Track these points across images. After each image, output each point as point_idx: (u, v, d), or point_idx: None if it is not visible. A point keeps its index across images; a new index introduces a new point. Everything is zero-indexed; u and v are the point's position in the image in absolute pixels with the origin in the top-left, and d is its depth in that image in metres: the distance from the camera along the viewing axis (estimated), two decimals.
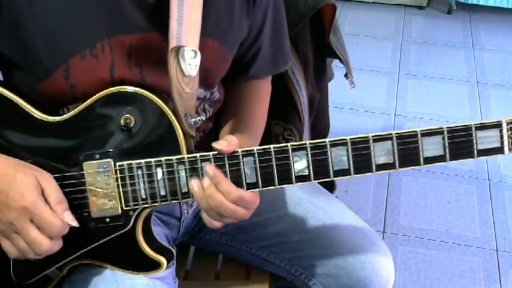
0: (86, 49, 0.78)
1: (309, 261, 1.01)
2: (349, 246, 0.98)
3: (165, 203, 0.80)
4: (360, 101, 2.55)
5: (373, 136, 0.75)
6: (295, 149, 0.76)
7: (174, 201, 0.80)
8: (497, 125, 0.74)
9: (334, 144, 0.76)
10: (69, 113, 0.80)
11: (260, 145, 0.77)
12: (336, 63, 1.28)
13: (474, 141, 0.75)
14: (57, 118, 0.80)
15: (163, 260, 0.85)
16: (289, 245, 1.03)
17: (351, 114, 2.48)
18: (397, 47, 2.99)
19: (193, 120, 0.80)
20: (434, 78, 2.74)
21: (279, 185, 0.78)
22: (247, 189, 0.78)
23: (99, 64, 0.79)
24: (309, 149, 0.76)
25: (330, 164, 0.76)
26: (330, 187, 1.22)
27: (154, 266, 0.85)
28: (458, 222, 1.97)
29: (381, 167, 0.76)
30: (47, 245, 0.75)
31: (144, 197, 0.80)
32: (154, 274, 0.86)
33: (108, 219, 0.81)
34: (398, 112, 2.50)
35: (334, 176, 0.77)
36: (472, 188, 2.11)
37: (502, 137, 0.75)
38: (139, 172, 0.79)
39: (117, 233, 0.82)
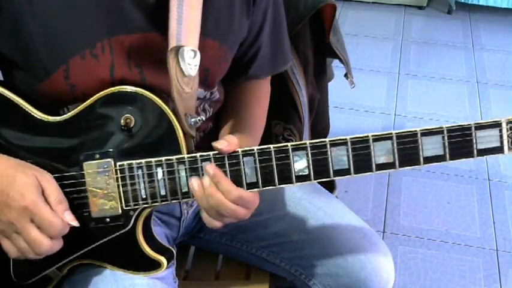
0: (86, 49, 0.78)
1: (309, 261, 1.01)
2: (349, 246, 0.98)
3: (165, 202, 0.80)
4: (360, 101, 2.54)
5: (373, 136, 0.75)
6: (295, 149, 0.76)
7: (174, 201, 0.80)
8: (497, 125, 0.74)
9: (334, 144, 0.75)
10: (69, 113, 0.80)
11: (260, 145, 0.77)
12: (336, 63, 1.28)
13: (474, 140, 0.74)
14: (57, 118, 0.80)
15: (163, 260, 0.85)
16: (289, 245, 1.02)
17: (351, 114, 2.48)
18: (397, 47, 2.98)
19: (193, 120, 0.80)
20: (434, 78, 2.74)
21: (279, 184, 0.78)
22: (247, 189, 0.78)
23: (99, 64, 0.79)
24: (309, 148, 0.76)
25: (330, 164, 0.76)
26: (330, 187, 1.22)
27: (155, 266, 0.85)
28: (458, 222, 1.97)
29: (381, 166, 0.76)
30: (47, 245, 0.75)
31: (144, 196, 0.80)
32: (154, 274, 0.86)
33: (108, 219, 0.81)
34: (398, 112, 2.50)
35: (334, 176, 0.77)
36: (472, 188, 2.11)
37: (501, 136, 0.74)
38: (140, 172, 0.79)
39: (117, 233, 0.82)
